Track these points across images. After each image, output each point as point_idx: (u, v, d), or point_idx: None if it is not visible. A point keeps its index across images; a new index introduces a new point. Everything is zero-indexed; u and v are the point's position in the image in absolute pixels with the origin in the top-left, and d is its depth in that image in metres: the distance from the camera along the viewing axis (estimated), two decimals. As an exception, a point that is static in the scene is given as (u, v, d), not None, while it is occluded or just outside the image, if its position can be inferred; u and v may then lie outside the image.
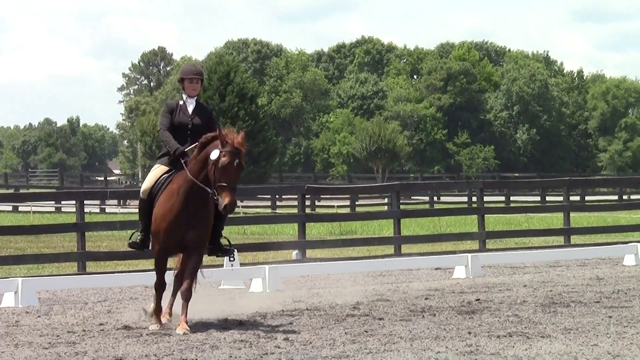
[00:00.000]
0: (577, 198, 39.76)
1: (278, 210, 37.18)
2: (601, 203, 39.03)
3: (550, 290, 13.48)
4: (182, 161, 10.40)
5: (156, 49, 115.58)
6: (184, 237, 10.29)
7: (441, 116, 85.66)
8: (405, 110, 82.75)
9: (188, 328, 9.98)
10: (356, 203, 38.74)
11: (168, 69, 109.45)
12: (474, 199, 34.68)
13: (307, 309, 11.99)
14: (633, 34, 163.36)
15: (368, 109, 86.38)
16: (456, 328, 10.16)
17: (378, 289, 14.30)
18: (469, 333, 9.83)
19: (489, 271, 16.54)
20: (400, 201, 22.30)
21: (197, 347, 9.07)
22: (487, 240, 20.39)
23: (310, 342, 9.28)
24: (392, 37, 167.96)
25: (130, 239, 10.81)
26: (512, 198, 44.27)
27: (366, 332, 9.90)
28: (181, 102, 10.78)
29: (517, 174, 69.94)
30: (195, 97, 10.88)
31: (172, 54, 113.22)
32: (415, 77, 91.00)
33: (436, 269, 17.11)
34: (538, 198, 46.33)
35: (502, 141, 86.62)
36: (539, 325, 10.22)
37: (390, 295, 13.32)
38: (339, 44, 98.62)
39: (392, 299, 12.95)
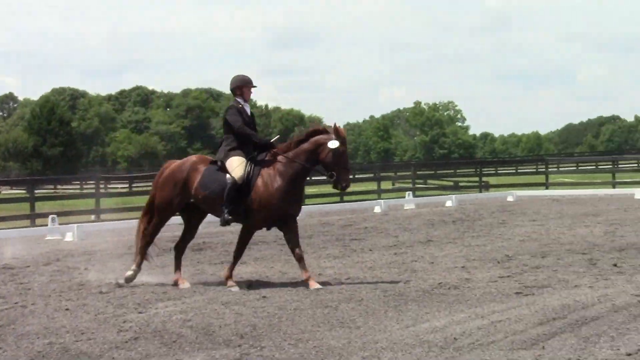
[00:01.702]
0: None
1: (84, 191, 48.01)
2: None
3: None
4: (272, 150, 12.52)
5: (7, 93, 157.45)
6: (289, 209, 12.44)
7: (184, 132, 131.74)
8: (163, 129, 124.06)
9: (317, 283, 12.14)
10: (133, 185, 49.59)
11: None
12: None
13: (99, 250, 18.05)
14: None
15: (140, 129, 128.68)
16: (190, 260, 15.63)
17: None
18: (199, 262, 15.50)
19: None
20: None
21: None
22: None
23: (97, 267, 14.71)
24: (156, 84, 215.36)
25: (222, 218, 12.37)
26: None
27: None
28: (240, 106, 12.71)
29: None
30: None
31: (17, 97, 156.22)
32: (168, 109, 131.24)
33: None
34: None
35: None
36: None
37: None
38: (120, 90, 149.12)
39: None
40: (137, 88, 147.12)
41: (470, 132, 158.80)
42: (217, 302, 11.09)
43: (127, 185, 50.02)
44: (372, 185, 39.66)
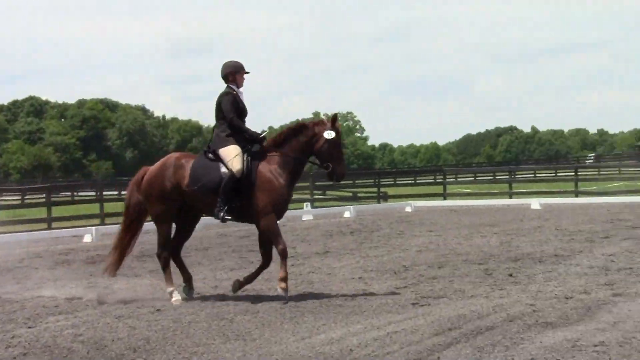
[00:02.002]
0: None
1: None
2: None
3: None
4: (262, 143, 12.10)
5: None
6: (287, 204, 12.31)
7: (79, 143, 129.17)
8: (57, 140, 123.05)
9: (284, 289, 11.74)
10: (25, 198, 49.32)
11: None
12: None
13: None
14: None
15: (34, 140, 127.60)
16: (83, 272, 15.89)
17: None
18: (91, 275, 15.45)
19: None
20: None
21: None
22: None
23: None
24: (50, 94, 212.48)
25: (216, 214, 11.83)
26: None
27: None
28: (235, 93, 12.25)
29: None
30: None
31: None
32: (63, 120, 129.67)
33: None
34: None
35: (117, 158, 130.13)
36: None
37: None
38: (13, 100, 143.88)
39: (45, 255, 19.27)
40: (31, 98, 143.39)
41: (369, 142, 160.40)
42: (110, 316, 10.95)
43: (19, 198, 49.50)
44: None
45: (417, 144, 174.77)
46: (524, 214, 29.33)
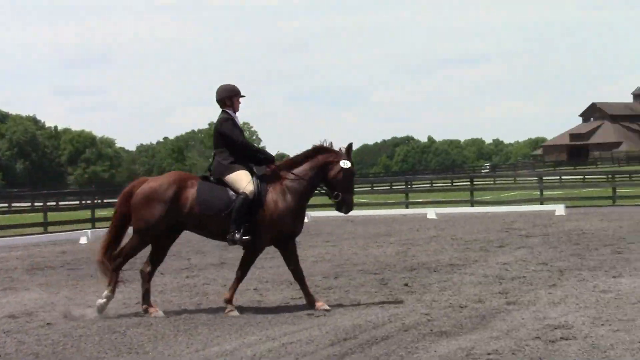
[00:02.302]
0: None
1: None
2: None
3: None
4: (273, 166, 12.01)
5: None
6: (297, 228, 12.19)
7: None
8: None
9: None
10: None
11: None
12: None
13: None
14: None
15: None
16: None
17: None
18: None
19: None
20: None
21: None
22: None
23: None
24: None
25: (231, 238, 11.68)
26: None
27: None
28: (232, 117, 12.11)
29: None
30: None
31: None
32: None
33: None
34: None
35: (7, 169, 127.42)
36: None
37: None
38: None
39: None
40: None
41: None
42: (-2, 331, 10.71)
43: None
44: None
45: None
46: (420, 224, 29.63)
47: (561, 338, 9.20)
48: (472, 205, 38.83)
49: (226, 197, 11.80)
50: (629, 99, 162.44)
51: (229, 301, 11.78)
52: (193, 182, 12.01)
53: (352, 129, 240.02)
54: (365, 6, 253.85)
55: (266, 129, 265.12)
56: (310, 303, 11.84)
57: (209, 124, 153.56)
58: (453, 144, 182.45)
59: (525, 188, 48.67)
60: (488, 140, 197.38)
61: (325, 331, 10.03)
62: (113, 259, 12.04)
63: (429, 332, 9.84)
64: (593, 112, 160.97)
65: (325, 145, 12.23)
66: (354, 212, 38.35)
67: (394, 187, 60.09)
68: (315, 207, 39.16)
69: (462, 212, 35.68)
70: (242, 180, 11.82)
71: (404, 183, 54.41)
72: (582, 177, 62.73)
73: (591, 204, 39.48)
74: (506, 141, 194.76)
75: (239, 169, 11.90)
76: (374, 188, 61.36)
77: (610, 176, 49.64)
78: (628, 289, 12.49)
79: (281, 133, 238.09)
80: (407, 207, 39.85)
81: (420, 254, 18.94)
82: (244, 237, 11.71)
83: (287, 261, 12.23)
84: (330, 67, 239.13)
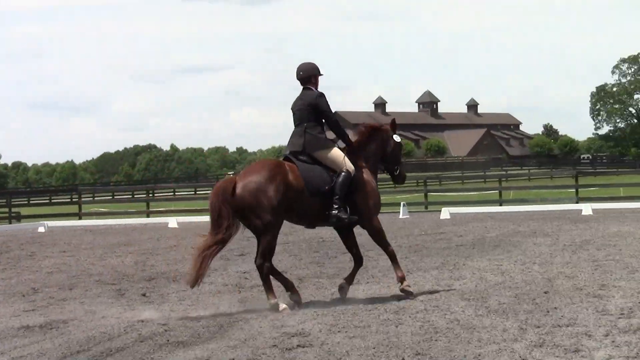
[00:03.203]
0: None
1: None
2: None
3: None
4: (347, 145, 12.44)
5: None
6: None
7: None
8: None
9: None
10: None
11: None
12: None
13: None
14: None
15: None
16: None
17: None
18: None
19: None
20: None
21: None
22: None
23: None
24: None
25: (338, 215, 11.91)
26: None
27: None
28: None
29: None
30: None
31: None
32: None
33: None
34: None
35: None
36: None
37: None
38: None
39: None
40: None
41: (2, 161, 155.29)
42: None
43: None
44: None
45: (53, 162, 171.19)
46: (161, 233, 29.51)
47: (298, 346, 9.35)
48: (214, 214, 38.89)
49: (326, 176, 12.03)
50: (371, 108, 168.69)
51: (403, 278, 12.39)
52: (291, 165, 12.01)
53: (92, 137, 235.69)
54: (104, 14, 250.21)
55: (3, 138, 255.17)
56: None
57: None
58: (197, 152, 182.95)
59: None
60: (232, 148, 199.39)
61: (58, 344, 9.80)
62: (259, 267, 12.04)
63: (165, 342, 9.79)
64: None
65: (372, 124, 12.92)
66: (93, 222, 37.89)
67: (135, 196, 59.58)
68: (54, 217, 38.25)
69: (204, 221, 35.71)
70: (340, 157, 12.12)
71: (145, 192, 54.02)
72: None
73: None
74: (250, 150, 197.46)
75: (332, 146, 12.21)
76: (115, 197, 60.58)
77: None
78: (364, 296, 12.90)
79: (19, 142, 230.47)
80: (148, 216, 39.60)
81: (160, 263, 18.84)
82: (350, 216, 12.06)
83: (351, 244, 12.75)
84: (68, 74, 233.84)
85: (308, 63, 12.52)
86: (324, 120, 12.30)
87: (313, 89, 12.41)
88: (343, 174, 12.03)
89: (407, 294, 12.29)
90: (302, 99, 12.41)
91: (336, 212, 11.99)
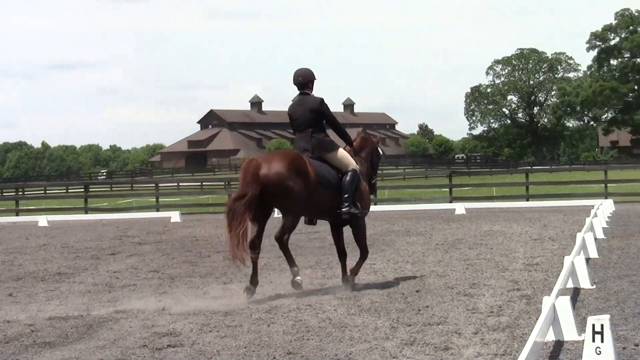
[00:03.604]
0: None
1: None
2: None
3: None
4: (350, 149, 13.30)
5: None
6: None
7: None
8: None
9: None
10: None
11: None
12: None
13: None
14: None
15: None
16: None
17: None
18: None
19: None
20: None
21: None
22: None
23: None
24: None
25: (350, 212, 12.66)
26: None
27: None
28: None
29: None
30: None
31: None
32: None
33: None
34: None
35: None
36: None
37: None
38: None
39: None
40: None
41: None
42: None
43: None
44: None
45: None
46: (30, 232, 28.91)
47: (168, 345, 9.29)
48: (86, 213, 38.47)
49: (335, 172, 12.70)
50: (247, 107, 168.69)
51: (354, 273, 13.24)
52: (306, 158, 12.51)
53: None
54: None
55: None
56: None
57: None
58: (69, 149, 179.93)
59: (142, 195, 48.92)
60: (105, 146, 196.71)
61: None
62: (278, 239, 12.38)
63: (32, 343, 9.62)
64: (211, 119, 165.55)
65: (363, 133, 13.95)
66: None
67: (4, 194, 58.24)
68: None
69: (76, 220, 35.26)
70: (347, 157, 12.90)
71: (14, 190, 52.85)
72: (200, 183, 64.30)
73: (207, 210, 40.50)
74: (124, 147, 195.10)
75: (338, 148, 12.91)
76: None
77: (226, 183, 51.21)
78: (238, 294, 12.86)
79: None
80: (17, 214, 38.79)
81: (28, 262, 18.46)
82: (361, 210, 12.84)
83: (338, 239, 13.30)
84: None
85: (306, 69, 13.13)
86: (325, 123, 13.01)
87: (310, 94, 12.96)
88: (350, 172, 12.81)
89: (352, 288, 12.77)
90: (302, 104, 12.90)
91: (347, 208, 12.74)
